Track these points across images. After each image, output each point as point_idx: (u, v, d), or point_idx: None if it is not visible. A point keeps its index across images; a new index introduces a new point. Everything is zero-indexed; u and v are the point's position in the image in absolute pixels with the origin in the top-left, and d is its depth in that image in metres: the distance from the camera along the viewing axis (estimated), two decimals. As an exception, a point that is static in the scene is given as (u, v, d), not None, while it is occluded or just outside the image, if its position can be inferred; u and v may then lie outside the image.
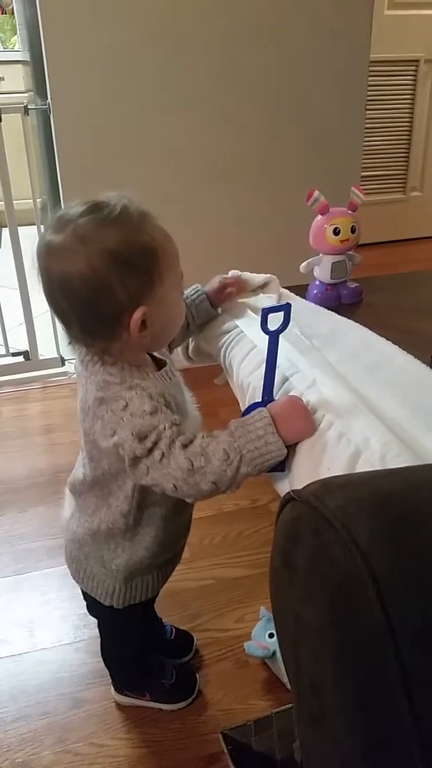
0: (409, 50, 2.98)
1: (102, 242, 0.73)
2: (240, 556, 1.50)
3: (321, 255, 1.21)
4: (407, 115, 3.15)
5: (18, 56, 2.91)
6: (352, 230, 1.19)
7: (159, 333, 0.81)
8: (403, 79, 3.07)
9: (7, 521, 1.61)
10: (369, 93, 2.15)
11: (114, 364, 0.80)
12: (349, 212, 1.21)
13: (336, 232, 1.18)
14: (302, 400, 0.78)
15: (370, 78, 2.14)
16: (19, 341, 2.23)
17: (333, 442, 0.75)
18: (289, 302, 0.93)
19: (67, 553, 0.98)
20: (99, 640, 1.22)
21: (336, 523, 0.44)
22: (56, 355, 2.25)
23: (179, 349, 1.14)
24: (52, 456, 1.87)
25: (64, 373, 2.23)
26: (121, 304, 0.75)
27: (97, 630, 1.28)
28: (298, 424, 0.75)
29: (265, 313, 0.90)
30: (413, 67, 3.04)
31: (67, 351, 2.29)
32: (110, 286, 0.73)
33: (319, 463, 0.74)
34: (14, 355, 2.22)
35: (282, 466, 0.78)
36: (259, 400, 0.83)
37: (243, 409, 0.94)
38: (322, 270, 1.22)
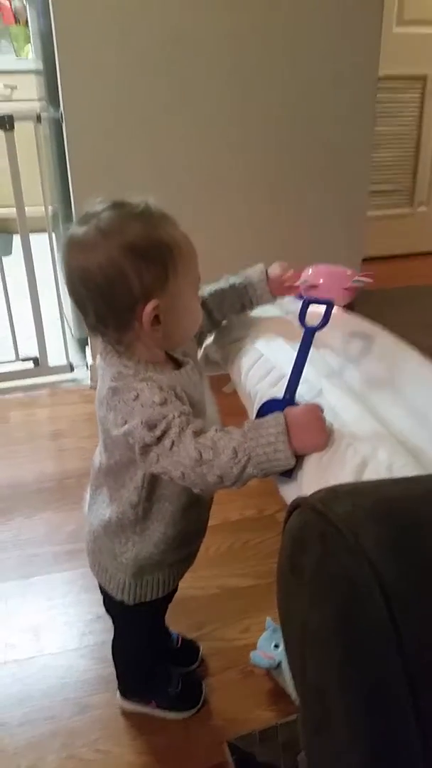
0: (417, 67, 3.00)
1: (121, 235, 0.76)
2: (246, 565, 1.50)
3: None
4: (414, 130, 3.17)
5: (31, 66, 2.95)
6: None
7: (171, 330, 0.82)
8: (411, 95, 3.09)
9: (14, 526, 1.62)
10: (377, 108, 2.17)
11: (130, 358, 0.82)
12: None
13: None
14: (322, 411, 0.78)
15: (378, 94, 2.16)
16: (29, 347, 2.25)
17: (340, 452, 0.75)
18: (332, 299, 0.93)
19: (87, 546, 1.01)
20: (104, 646, 1.23)
21: (343, 529, 0.45)
22: (65, 362, 2.26)
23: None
24: (59, 461, 1.88)
25: (73, 380, 2.25)
26: (134, 295, 0.77)
27: (102, 636, 1.30)
28: (312, 437, 0.75)
29: (306, 303, 0.91)
30: (421, 84, 3.06)
31: (76, 358, 2.31)
32: (125, 277, 0.76)
33: (326, 471, 0.74)
34: (24, 360, 2.23)
35: (289, 473, 0.79)
36: (279, 398, 0.84)
37: (251, 416, 0.95)
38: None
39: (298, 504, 0.53)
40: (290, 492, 0.82)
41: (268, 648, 1.23)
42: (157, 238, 0.77)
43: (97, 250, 0.76)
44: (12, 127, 1.95)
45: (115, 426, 0.80)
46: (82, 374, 2.27)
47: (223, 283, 1.00)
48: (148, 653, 1.12)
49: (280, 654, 1.20)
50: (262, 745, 0.99)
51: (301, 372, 0.85)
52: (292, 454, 0.74)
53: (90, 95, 1.86)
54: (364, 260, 2.35)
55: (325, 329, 1.03)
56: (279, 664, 1.19)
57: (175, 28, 1.85)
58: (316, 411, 0.77)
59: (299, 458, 0.77)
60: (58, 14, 1.77)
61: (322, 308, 0.90)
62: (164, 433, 0.76)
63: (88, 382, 2.22)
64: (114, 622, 1.10)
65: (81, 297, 0.80)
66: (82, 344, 2.35)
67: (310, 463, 0.77)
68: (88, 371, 2.24)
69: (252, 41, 1.92)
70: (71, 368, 2.26)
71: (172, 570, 0.99)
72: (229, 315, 1.02)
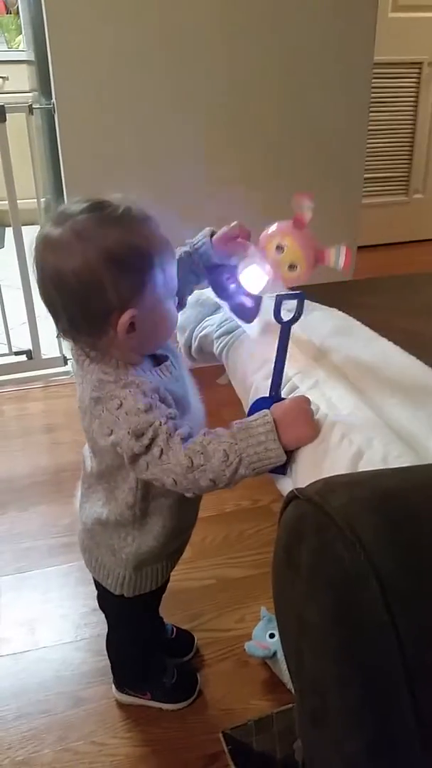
0: (412, 52, 2.98)
1: (99, 240, 0.73)
2: (241, 556, 1.50)
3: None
4: (410, 117, 3.16)
5: (22, 56, 2.92)
6: (291, 267, 0.90)
7: (146, 337, 0.81)
8: (407, 82, 3.07)
9: (8, 520, 1.62)
10: (372, 95, 2.15)
11: (108, 362, 0.80)
12: (305, 251, 0.90)
13: (279, 248, 0.90)
14: (308, 403, 0.78)
15: (373, 80, 2.14)
16: (22, 340, 2.23)
17: (335, 443, 0.75)
18: (303, 292, 0.92)
19: (81, 543, 1.00)
20: (100, 639, 1.23)
21: (340, 521, 0.44)
22: (59, 354, 2.25)
23: (182, 349, 1.14)
24: (53, 455, 1.87)
25: (67, 373, 2.23)
26: (110, 304, 0.75)
27: (97, 629, 1.29)
28: (300, 430, 0.75)
29: (279, 300, 0.90)
30: (417, 70, 3.04)
31: (69, 350, 2.30)
32: (101, 285, 0.74)
33: (321, 462, 0.74)
34: (17, 354, 2.22)
35: (283, 470, 0.78)
36: (266, 395, 0.84)
37: (246, 407, 0.94)
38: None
39: (295, 496, 0.52)
40: (286, 484, 0.81)
41: (263, 638, 1.23)
42: (135, 245, 0.75)
43: (72, 254, 0.73)
44: (4, 119, 1.93)
45: (101, 436, 0.79)
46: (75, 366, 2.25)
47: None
48: (144, 645, 1.12)
49: (275, 644, 1.20)
50: (258, 735, 0.99)
51: (282, 367, 0.85)
52: (283, 450, 0.74)
53: (82, 86, 1.84)
54: (360, 248, 2.34)
55: (313, 322, 1.03)
56: (274, 654, 1.20)
57: (167, 16, 1.83)
58: (302, 404, 0.77)
59: (290, 452, 0.77)
60: (49, 4, 1.74)
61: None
62: (152, 441, 0.75)
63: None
64: (108, 617, 1.10)
65: (53, 300, 0.77)
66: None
67: (306, 455, 0.77)
68: (72, 365, 2.22)
69: (245, 26, 1.90)
70: (65, 361, 2.25)
71: (169, 560, 0.99)
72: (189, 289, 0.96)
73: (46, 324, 2.22)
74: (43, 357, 2.23)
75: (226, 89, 1.95)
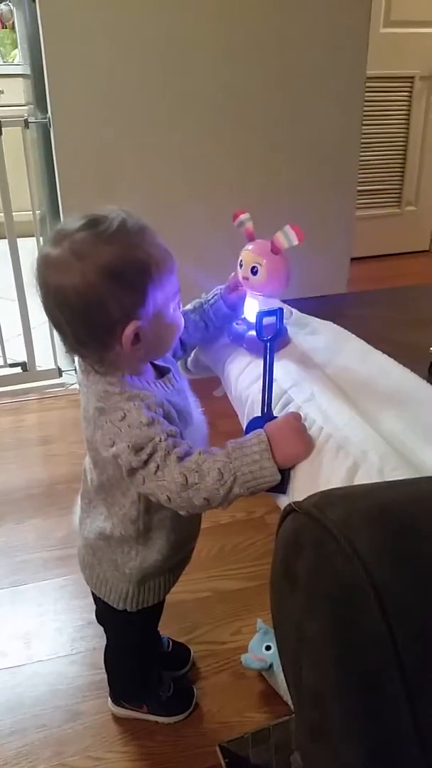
0: (404, 67, 3.03)
1: (97, 258, 0.74)
2: (236, 568, 1.50)
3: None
4: (402, 130, 3.20)
5: (18, 70, 2.94)
6: (253, 271, 0.93)
7: (152, 346, 0.82)
8: (399, 95, 3.12)
9: (3, 533, 1.61)
10: (365, 108, 2.19)
11: (114, 374, 0.81)
12: (258, 250, 0.93)
13: (240, 264, 0.95)
14: (300, 419, 0.78)
15: (366, 94, 2.17)
16: (16, 352, 2.23)
17: (331, 455, 0.75)
18: (282, 307, 0.93)
19: (80, 560, 1.00)
20: (95, 652, 1.23)
21: (337, 534, 0.45)
22: (54, 366, 2.25)
23: (178, 362, 1.14)
24: (49, 467, 1.87)
25: (61, 384, 2.24)
26: (113, 318, 0.76)
27: (93, 642, 1.29)
28: (294, 447, 0.75)
29: (260, 317, 0.91)
30: (408, 84, 3.09)
31: (64, 362, 2.30)
32: (103, 301, 0.74)
33: (317, 475, 0.74)
34: (12, 366, 2.22)
35: (283, 488, 0.78)
36: (259, 415, 0.84)
37: (242, 421, 0.95)
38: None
39: (292, 509, 0.53)
40: (283, 496, 0.82)
41: (260, 650, 1.22)
42: (134, 258, 0.76)
43: (72, 273, 0.74)
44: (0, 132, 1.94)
45: (104, 446, 0.79)
46: (70, 378, 2.25)
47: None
48: (142, 658, 1.11)
49: (271, 656, 1.20)
50: (254, 748, 0.99)
51: (271, 385, 0.85)
52: (277, 469, 0.75)
53: (78, 100, 1.86)
54: (353, 260, 2.37)
55: (307, 335, 1.05)
56: (270, 666, 1.19)
57: (163, 31, 1.86)
58: (294, 422, 0.77)
59: (287, 470, 0.77)
60: (46, 18, 1.76)
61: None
62: (150, 456, 0.76)
63: (77, 386, 2.20)
64: (107, 631, 1.10)
65: (58, 319, 0.78)
66: (70, 348, 2.33)
67: (302, 468, 0.77)
68: (77, 375, 2.22)
69: (241, 41, 1.93)
70: (60, 373, 2.25)
71: (173, 573, 0.99)
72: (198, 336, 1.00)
73: (41, 336, 2.23)
74: (38, 369, 2.24)
75: (221, 104, 1.98)
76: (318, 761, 0.47)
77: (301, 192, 2.14)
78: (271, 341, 0.89)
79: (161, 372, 0.88)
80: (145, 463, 0.76)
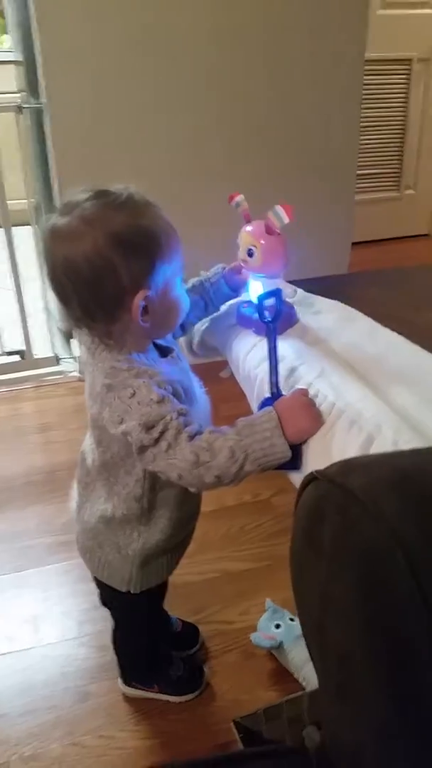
0: (402, 49, 3.00)
1: (107, 225, 0.74)
2: (243, 549, 1.50)
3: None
4: (401, 113, 3.18)
5: (9, 56, 2.90)
6: (249, 253, 0.93)
7: (160, 319, 0.81)
8: (397, 78, 3.09)
9: (5, 519, 1.61)
10: (363, 92, 2.17)
11: (120, 351, 0.81)
12: (255, 231, 0.93)
13: (238, 245, 0.96)
14: (309, 395, 0.78)
15: (364, 77, 2.15)
16: (13, 340, 2.22)
17: (344, 430, 0.76)
18: (280, 287, 0.93)
19: (80, 545, 0.99)
20: (102, 634, 1.24)
21: (362, 497, 0.45)
22: (51, 354, 2.24)
23: (183, 344, 1.14)
24: (48, 455, 1.87)
25: (59, 372, 2.23)
26: (123, 286, 0.76)
27: (99, 625, 1.29)
28: (303, 423, 0.76)
29: (260, 300, 0.91)
30: (407, 66, 3.07)
31: (61, 350, 2.29)
32: (113, 267, 0.74)
33: (331, 450, 0.74)
34: (9, 354, 2.21)
35: (296, 464, 0.78)
36: (269, 395, 0.84)
37: (250, 400, 0.95)
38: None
39: (314, 477, 0.53)
40: (296, 473, 0.82)
41: (269, 629, 1.23)
42: (143, 226, 0.76)
43: (82, 240, 0.74)
44: (-7, 116, 1.92)
45: (112, 424, 0.79)
46: (68, 366, 2.25)
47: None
48: (151, 638, 1.12)
49: (281, 634, 1.21)
50: (268, 723, 1.00)
51: (276, 365, 0.85)
52: (288, 445, 0.75)
53: (72, 85, 1.84)
54: (353, 244, 2.36)
55: (316, 314, 1.05)
56: (280, 644, 1.20)
57: (155, 16, 1.83)
58: (302, 397, 0.78)
59: (299, 446, 0.77)
60: (38, 3, 1.74)
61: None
62: (161, 434, 0.75)
63: (75, 373, 2.20)
64: (113, 614, 1.10)
65: (65, 290, 0.78)
66: (67, 336, 2.32)
67: (315, 443, 0.77)
68: (75, 363, 2.22)
69: (235, 24, 1.91)
70: (57, 361, 2.25)
71: (175, 552, 1.00)
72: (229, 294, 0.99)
73: (38, 324, 2.22)
74: (36, 357, 2.23)
75: (216, 87, 1.96)
76: (344, 722, 0.47)
77: (300, 176, 2.13)
78: (273, 322, 0.90)
79: (164, 352, 0.88)
80: (156, 441, 0.76)
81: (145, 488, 0.88)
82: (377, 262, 2.91)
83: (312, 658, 0.54)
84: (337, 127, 2.14)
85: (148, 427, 0.75)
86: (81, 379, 2.17)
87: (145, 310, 0.78)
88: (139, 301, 0.77)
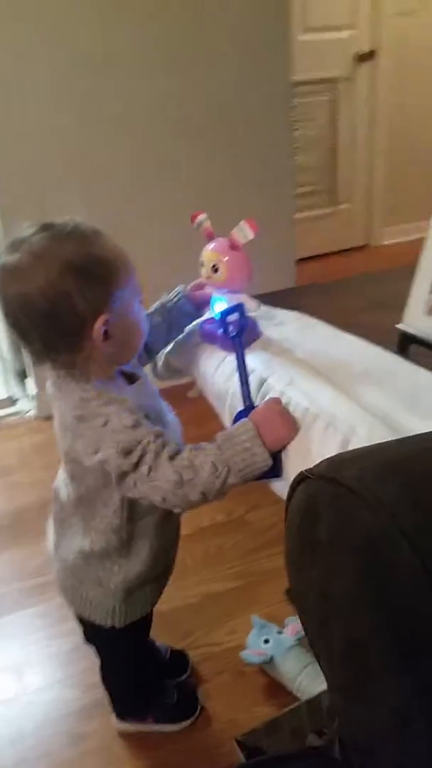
0: (326, 70, 3.13)
1: (57, 256, 0.74)
2: (223, 569, 1.50)
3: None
4: (330, 131, 3.29)
5: None
6: (214, 269, 0.94)
7: (122, 343, 0.81)
8: (323, 99, 3.21)
9: (-23, 567, 1.56)
10: (294, 113, 2.25)
11: (87, 381, 0.80)
12: (219, 248, 0.95)
13: (201, 264, 0.97)
14: (281, 403, 0.80)
15: (293, 99, 2.23)
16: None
17: (320, 434, 0.77)
18: (242, 302, 0.95)
19: (60, 583, 0.97)
20: (89, 673, 1.20)
21: (358, 488, 0.46)
22: (5, 396, 2.20)
23: (148, 367, 1.14)
24: (12, 497, 1.82)
25: (16, 413, 2.18)
26: (82, 315, 0.76)
27: (84, 663, 1.26)
28: (281, 430, 0.77)
29: (222, 316, 0.93)
30: (331, 86, 3.19)
31: (16, 390, 2.25)
32: (69, 297, 0.74)
33: (311, 453, 0.76)
34: (-36, 398, 2.16)
35: (277, 472, 0.79)
36: (242, 408, 0.85)
37: (223, 416, 0.95)
38: None
39: (303, 477, 0.54)
40: (277, 482, 0.83)
41: (258, 645, 1.23)
42: (93, 254, 0.76)
43: (34, 275, 0.74)
44: None
45: (86, 455, 0.78)
46: (24, 406, 2.20)
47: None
48: (139, 671, 1.09)
49: (271, 648, 1.21)
50: (269, 738, 0.99)
51: (246, 378, 0.87)
52: (269, 454, 0.76)
53: (8, 123, 1.83)
54: (298, 261, 2.42)
55: (278, 325, 1.07)
56: (271, 659, 1.20)
57: (90, 45, 1.86)
58: (275, 405, 0.79)
59: (275, 455, 0.78)
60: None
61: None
62: (140, 458, 0.75)
63: (33, 413, 2.16)
64: (99, 650, 1.07)
65: (23, 326, 0.77)
66: (20, 375, 2.29)
67: (294, 450, 0.78)
68: (31, 402, 2.18)
69: (172, 55, 1.95)
70: (12, 402, 2.20)
71: (157, 583, 0.98)
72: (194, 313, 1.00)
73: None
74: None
75: (155, 115, 1.99)
76: (358, 716, 0.48)
77: (240, 199, 2.16)
78: (238, 336, 0.91)
79: (131, 379, 0.88)
80: (136, 465, 0.75)
81: (123, 518, 0.86)
82: (322, 277, 2.98)
83: (318, 659, 0.54)
84: (273, 148, 2.21)
85: (126, 453, 0.75)
86: (40, 418, 2.14)
87: (106, 334, 0.78)
88: (99, 326, 0.76)
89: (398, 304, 1.11)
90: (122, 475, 0.77)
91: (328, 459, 0.54)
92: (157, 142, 2.02)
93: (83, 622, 0.99)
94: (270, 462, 0.77)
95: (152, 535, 0.90)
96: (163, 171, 2.05)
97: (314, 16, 3.00)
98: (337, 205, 3.45)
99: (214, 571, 1.49)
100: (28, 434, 2.09)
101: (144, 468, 0.75)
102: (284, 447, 0.78)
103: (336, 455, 0.55)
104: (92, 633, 1.01)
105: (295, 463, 0.77)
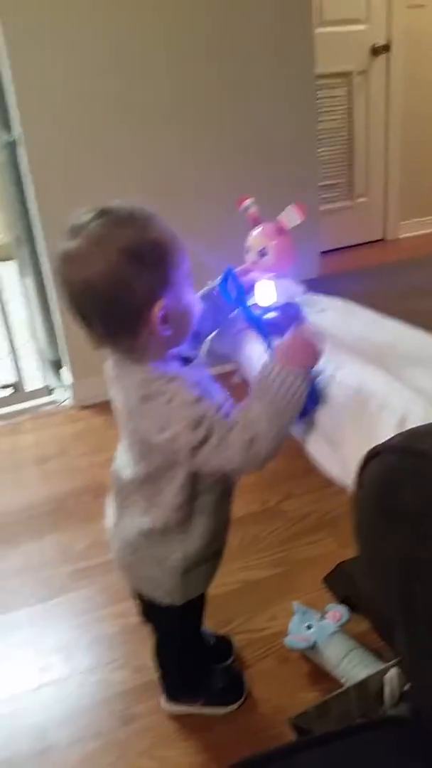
0: (342, 64, 3.13)
1: (116, 241, 0.76)
2: (260, 558, 1.51)
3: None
4: (346, 125, 3.29)
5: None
6: (262, 254, 0.97)
7: (179, 326, 0.83)
8: (339, 91, 3.21)
9: (22, 552, 1.59)
10: (312, 106, 2.25)
11: (146, 363, 0.82)
12: (266, 232, 0.98)
13: (247, 250, 0.99)
14: (305, 329, 0.84)
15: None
16: (3, 374, 2.22)
17: (376, 416, 0.78)
18: (230, 266, 0.96)
19: (119, 562, 0.99)
20: (137, 655, 1.24)
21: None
22: (43, 385, 2.24)
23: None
24: (54, 484, 1.85)
25: (53, 402, 2.22)
26: (140, 300, 0.78)
27: (132, 646, 1.29)
28: (302, 358, 0.79)
29: (224, 278, 0.95)
30: (347, 80, 3.19)
31: (52, 380, 2.29)
32: (129, 283, 0.77)
33: (368, 437, 0.77)
34: (3, 387, 2.20)
35: (316, 400, 0.81)
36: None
37: None
38: None
39: (376, 452, 0.55)
40: (331, 463, 0.84)
41: (301, 631, 1.24)
42: (150, 238, 0.78)
43: (95, 261, 0.76)
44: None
45: (154, 433, 0.80)
46: (60, 395, 2.24)
47: None
48: (195, 650, 1.12)
49: (314, 634, 1.22)
50: (320, 720, 1.00)
51: (256, 319, 0.90)
52: (303, 377, 0.78)
53: (47, 113, 1.86)
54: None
55: (320, 311, 1.09)
56: (314, 644, 1.21)
57: (120, 40, 1.88)
58: (298, 334, 0.82)
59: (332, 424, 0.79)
60: (9, 35, 1.76)
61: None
62: (208, 431, 0.77)
63: (69, 402, 2.19)
64: (157, 629, 1.09)
65: (85, 311, 0.80)
66: (55, 366, 2.32)
67: (350, 433, 0.80)
68: (66, 392, 2.21)
69: (201, 49, 1.97)
70: (49, 391, 2.24)
71: (214, 561, 1.00)
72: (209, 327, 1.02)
73: (27, 355, 2.22)
74: (28, 390, 2.21)
75: (186, 108, 2.01)
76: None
77: (266, 194, 2.17)
78: (238, 303, 0.95)
79: (185, 362, 0.90)
80: (205, 439, 0.77)
81: (185, 497, 0.89)
82: (341, 270, 2.98)
83: (396, 629, 0.56)
84: (299, 139, 2.22)
85: (194, 427, 0.77)
86: (76, 407, 2.17)
87: (164, 319, 0.80)
88: (157, 311, 0.79)
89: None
90: (193, 450, 0.78)
91: (400, 434, 0.55)
92: (189, 135, 2.04)
93: (142, 599, 1.02)
94: (308, 384, 0.79)
95: (210, 513, 0.92)
96: (195, 164, 2.07)
97: (330, 10, 3.01)
98: (354, 198, 3.44)
99: (252, 559, 1.51)
100: (66, 423, 2.12)
101: (214, 439, 0.77)
102: (314, 376, 0.81)
103: (407, 430, 0.56)
104: (151, 610, 1.03)
105: (354, 449, 0.78)
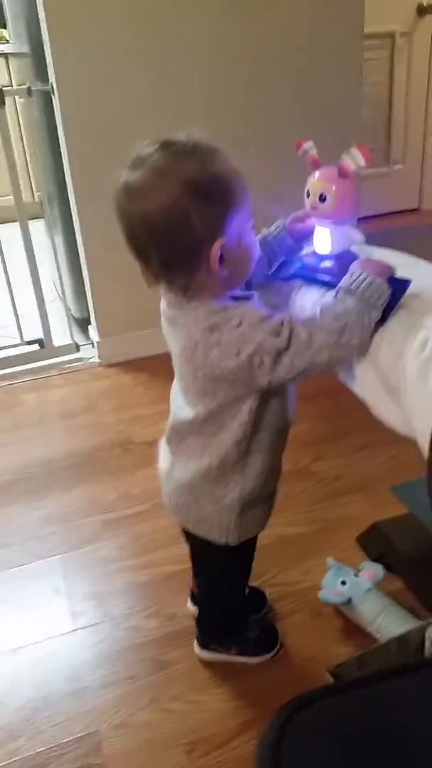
0: (384, 23, 3.01)
1: (179, 174, 0.74)
2: (293, 515, 1.50)
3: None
4: (386, 89, 3.19)
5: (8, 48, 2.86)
6: (321, 198, 0.91)
7: (236, 267, 0.82)
8: (381, 53, 3.10)
9: (53, 501, 1.60)
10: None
11: (207, 299, 0.81)
12: (327, 176, 0.91)
13: (307, 194, 0.93)
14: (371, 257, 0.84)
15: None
16: (31, 330, 2.20)
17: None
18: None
19: (174, 503, 0.99)
20: (169, 605, 1.27)
21: None
22: (70, 342, 2.22)
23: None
24: (83, 438, 1.84)
25: (79, 359, 2.21)
26: (199, 236, 0.76)
27: (164, 594, 1.30)
28: (379, 268, 0.81)
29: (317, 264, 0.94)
30: (390, 41, 3.08)
31: (80, 337, 2.27)
32: (189, 218, 0.75)
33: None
34: (29, 343, 2.19)
35: (402, 289, 0.82)
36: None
37: None
38: None
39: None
40: (389, 410, 0.82)
41: (335, 586, 1.24)
42: (214, 172, 0.76)
43: (156, 193, 0.74)
44: (3, 103, 1.89)
45: (228, 359, 0.78)
46: (88, 353, 2.23)
47: None
48: (242, 595, 1.12)
49: (349, 589, 1.22)
50: (358, 672, 1.00)
51: (311, 268, 0.93)
52: (384, 280, 0.79)
53: (81, 64, 1.82)
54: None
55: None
56: (349, 600, 1.21)
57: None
58: (365, 259, 0.84)
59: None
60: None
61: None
62: (291, 332, 0.77)
63: (96, 359, 2.18)
64: (209, 572, 1.09)
65: (143, 245, 0.78)
66: (82, 324, 2.31)
67: (413, 388, 0.77)
68: (94, 349, 2.20)
69: (245, 6, 1.90)
70: (77, 348, 2.23)
71: (268, 502, 1.00)
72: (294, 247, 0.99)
73: (52, 312, 2.20)
74: (55, 345, 2.21)
75: (223, 62, 1.95)
76: None
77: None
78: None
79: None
80: (290, 339, 0.76)
81: (247, 431, 0.88)
82: (374, 237, 2.92)
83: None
84: (342, 101, 2.16)
85: (276, 334, 0.77)
86: (102, 365, 2.16)
87: (222, 258, 0.78)
88: (216, 250, 0.77)
89: None
90: (278, 357, 0.77)
91: None
92: (224, 84, 1.97)
93: (195, 541, 1.01)
94: (388, 288, 0.79)
95: (266, 451, 0.92)
96: (229, 113, 2.00)
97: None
98: (390, 165, 3.35)
99: (284, 516, 1.50)
100: (92, 380, 2.11)
101: (303, 334, 0.77)
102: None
103: None
104: (203, 552, 1.03)
105: (422, 399, 0.76)
